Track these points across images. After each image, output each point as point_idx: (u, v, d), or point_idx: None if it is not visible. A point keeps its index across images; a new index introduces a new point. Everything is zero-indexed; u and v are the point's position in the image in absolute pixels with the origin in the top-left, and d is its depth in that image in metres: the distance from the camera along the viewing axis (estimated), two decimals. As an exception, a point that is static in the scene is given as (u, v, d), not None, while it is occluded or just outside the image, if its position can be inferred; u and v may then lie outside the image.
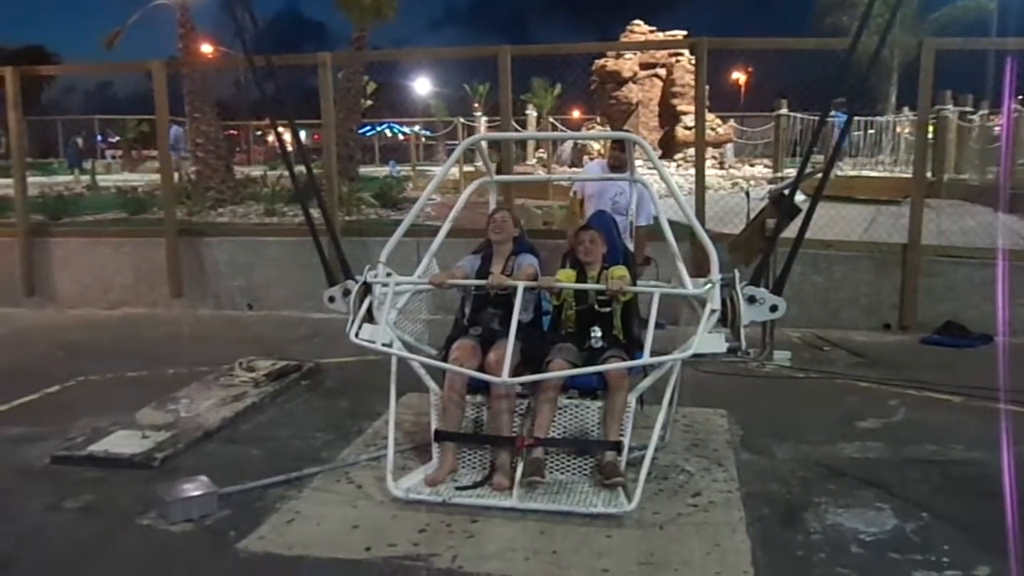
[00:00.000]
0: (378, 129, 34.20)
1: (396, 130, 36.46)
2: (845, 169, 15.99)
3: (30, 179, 9.43)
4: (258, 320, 7.91)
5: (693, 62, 8.98)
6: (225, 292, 8.32)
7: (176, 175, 12.82)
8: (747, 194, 6.91)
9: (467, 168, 15.11)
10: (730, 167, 18.78)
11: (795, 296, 5.82)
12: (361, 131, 21.85)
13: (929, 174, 11.62)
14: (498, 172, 5.47)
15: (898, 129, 18.04)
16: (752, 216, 6.35)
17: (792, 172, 10.99)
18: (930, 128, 10.58)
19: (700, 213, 7.01)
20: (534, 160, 21.40)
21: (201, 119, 12.49)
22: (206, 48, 17.92)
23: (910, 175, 8.25)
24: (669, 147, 20.18)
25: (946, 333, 6.75)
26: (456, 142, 21.90)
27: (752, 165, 19.12)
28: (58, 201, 10.90)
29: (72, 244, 8.65)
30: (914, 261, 6.98)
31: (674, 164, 18.07)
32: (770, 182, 13.40)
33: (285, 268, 8.10)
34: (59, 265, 8.59)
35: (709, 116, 15.80)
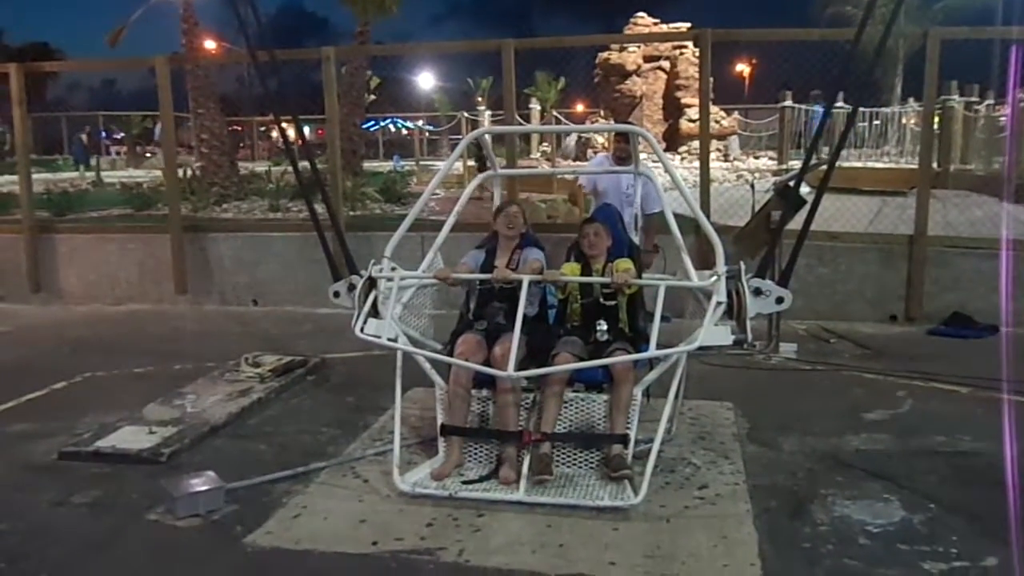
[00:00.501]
0: (382, 124, 34.15)
1: (400, 125, 36.45)
2: (851, 160, 15.93)
3: (35, 176, 9.46)
4: (263, 316, 7.92)
5: (697, 54, 8.94)
6: (230, 288, 8.34)
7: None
8: (752, 186, 6.88)
9: (471, 162, 15.06)
10: (734, 159, 18.69)
11: (801, 288, 5.78)
12: (365, 126, 21.88)
13: (935, 165, 11.57)
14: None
15: (904, 120, 17.94)
16: (757, 208, 6.33)
17: (797, 164, 10.98)
18: (936, 119, 10.51)
19: (705, 206, 6.99)
20: (538, 154, 21.35)
21: (205, 115, 12.51)
22: (209, 44, 17.97)
23: (916, 166, 8.22)
24: (673, 140, 20.10)
25: (952, 324, 6.73)
26: (459, 136, 21.84)
27: (756, 157, 19.02)
28: (63, 197, 10.90)
29: (77, 240, 8.67)
30: (920, 252, 6.95)
31: (678, 157, 18.01)
32: (775, 174, 13.36)
33: (290, 264, 8.11)
34: (65, 261, 8.62)
35: (713, 108, 15.71)
